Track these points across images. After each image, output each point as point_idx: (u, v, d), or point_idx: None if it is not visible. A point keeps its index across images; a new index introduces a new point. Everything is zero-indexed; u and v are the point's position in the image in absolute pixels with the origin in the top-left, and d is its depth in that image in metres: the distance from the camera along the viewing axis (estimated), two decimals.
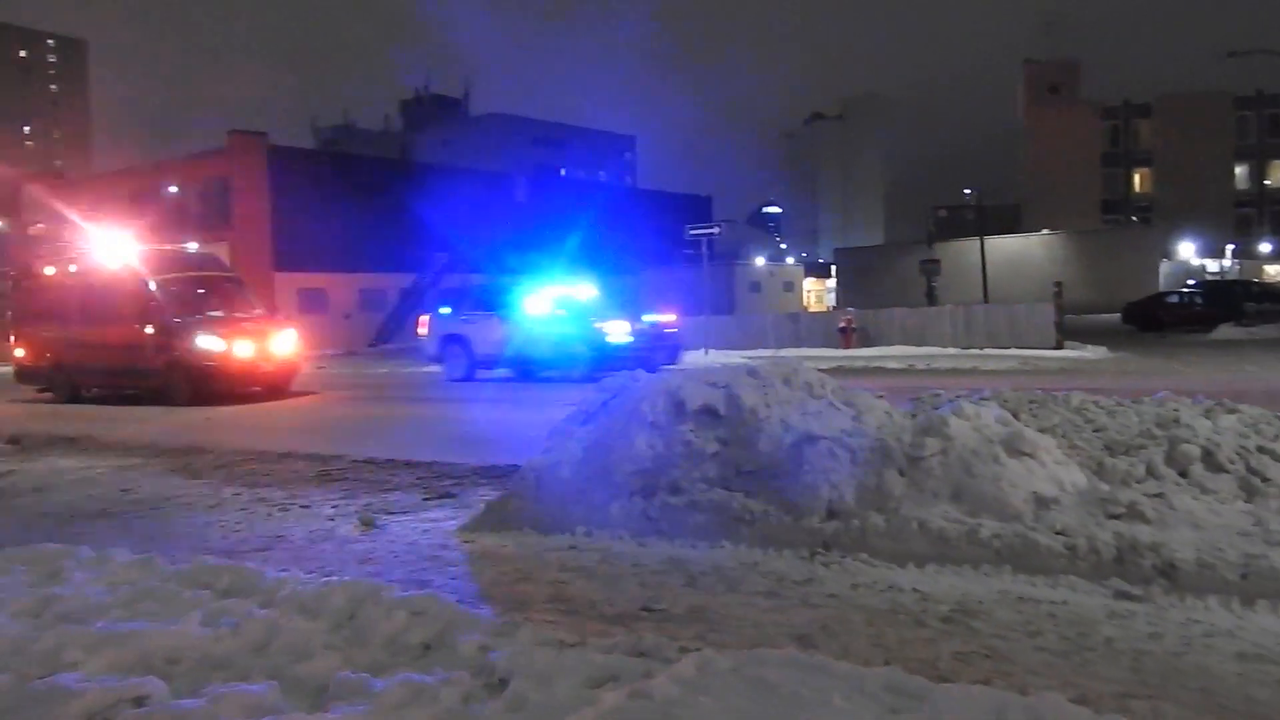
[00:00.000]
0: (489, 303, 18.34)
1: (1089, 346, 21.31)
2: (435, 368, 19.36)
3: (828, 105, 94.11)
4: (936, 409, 5.11)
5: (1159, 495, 4.37)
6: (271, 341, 15.81)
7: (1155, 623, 3.51)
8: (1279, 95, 59.18)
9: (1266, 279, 50.73)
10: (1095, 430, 5.15)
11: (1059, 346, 21.20)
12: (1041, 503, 4.36)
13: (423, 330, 19.45)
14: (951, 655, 3.28)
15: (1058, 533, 4.13)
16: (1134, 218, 63.43)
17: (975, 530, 4.26)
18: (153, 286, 15.83)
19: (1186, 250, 57.25)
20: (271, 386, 15.89)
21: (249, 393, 15.54)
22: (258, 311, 17.00)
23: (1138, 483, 4.56)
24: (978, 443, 4.60)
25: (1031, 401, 5.68)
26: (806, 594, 4.00)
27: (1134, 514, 4.22)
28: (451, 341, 18.38)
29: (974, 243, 49.33)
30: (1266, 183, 64.10)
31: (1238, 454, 4.68)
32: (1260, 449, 4.67)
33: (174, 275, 16.38)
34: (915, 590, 3.96)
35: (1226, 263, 57.99)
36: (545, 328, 17.09)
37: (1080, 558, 4.00)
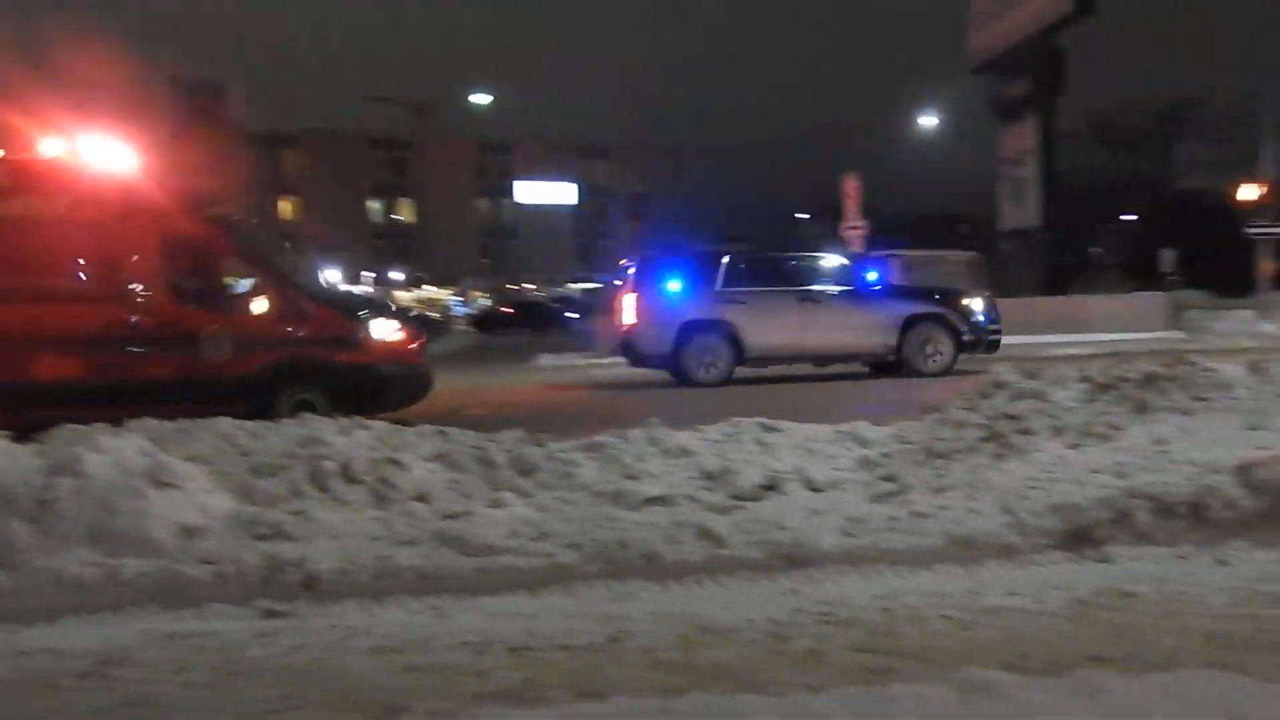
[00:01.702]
0: (774, 275, 14.06)
1: None
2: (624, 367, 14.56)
3: None
4: (72, 443, 4.69)
5: (302, 512, 4.62)
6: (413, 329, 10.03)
7: (300, 634, 3.69)
8: (406, 141, 67.35)
9: (399, 303, 57.40)
10: (243, 454, 5.25)
11: None
12: (189, 533, 4.29)
13: (630, 317, 13.69)
14: (90, 713, 3.04)
15: (205, 562, 4.11)
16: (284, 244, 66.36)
17: (118, 571, 4.02)
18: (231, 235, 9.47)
19: (334, 277, 61.86)
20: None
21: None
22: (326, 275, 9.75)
23: (283, 502, 4.76)
24: (118, 478, 4.35)
25: (178, 430, 5.56)
26: None
27: (279, 533, 4.40)
28: (702, 331, 13.38)
29: None
30: (395, 217, 72.35)
31: (370, 466, 5.17)
32: (388, 460, 5.23)
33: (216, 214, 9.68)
34: (48, 650, 3.58)
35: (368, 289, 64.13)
36: (857, 308, 13.67)
37: (229, 584, 4.03)
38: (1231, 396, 6.00)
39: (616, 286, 15.77)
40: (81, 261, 8.68)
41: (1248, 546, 4.54)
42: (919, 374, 13.48)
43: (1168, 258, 30.85)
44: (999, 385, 6.27)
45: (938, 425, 6.02)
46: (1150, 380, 6.10)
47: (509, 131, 67.06)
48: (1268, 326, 21.14)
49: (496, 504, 5.02)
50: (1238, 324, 22.16)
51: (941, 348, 13.71)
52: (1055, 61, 21.36)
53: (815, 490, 5.26)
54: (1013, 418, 5.83)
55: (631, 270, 14.65)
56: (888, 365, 14.00)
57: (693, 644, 3.50)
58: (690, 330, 13.54)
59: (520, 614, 3.92)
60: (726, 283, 13.90)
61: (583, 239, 73.70)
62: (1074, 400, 6.02)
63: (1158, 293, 23.98)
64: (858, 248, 22.93)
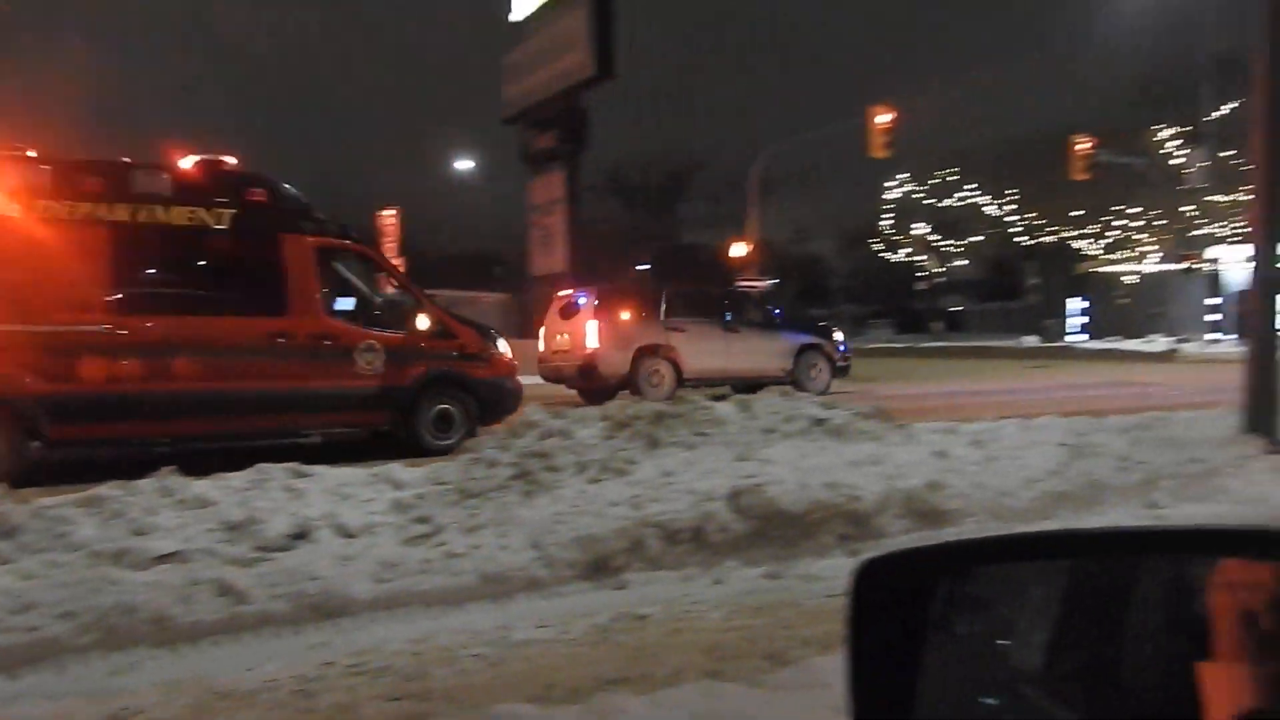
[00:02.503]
0: (704, 308, 15.89)
1: None
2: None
3: None
4: None
5: None
6: None
7: None
8: None
9: None
10: None
11: None
12: None
13: (594, 343, 14.46)
14: None
15: None
16: None
17: None
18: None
19: None
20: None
21: None
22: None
23: None
24: None
25: None
26: None
27: None
28: (652, 356, 14.76)
29: None
30: None
31: None
32: None
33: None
34: None
35: None
36: (768, 337, 16.16)
37: None
38: (725, 431, 6.79)
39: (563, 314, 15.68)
40: (234, 274, 9.12)
41: (739, 565, 5.14)
42: (805, 391, 14.78)
43: None
44: (529, 425, 6.54)
45: (471, 465, 6.13)
46: (660, 418, 6.71)
47: None
48: None
49: None
50: None
51: (823, 371, 16.29)
52: (579, 118, 22.92)
53: (348, 536, 5.10)
54: (541, 455, 6.10)
55: (585, 300, 15.37)
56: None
57: (208, 713, 3.23)
58: (643, 355, 14.85)
59: None
60: (668, 314, 15.36)
61: None
62: (596, 437, 6.44)
63: None
64: None
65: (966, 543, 0.94)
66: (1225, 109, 28.71)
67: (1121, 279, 41.01)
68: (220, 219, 8.86)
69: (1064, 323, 43.61)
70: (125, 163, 8.74)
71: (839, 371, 16.66)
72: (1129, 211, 38.76)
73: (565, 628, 4.27)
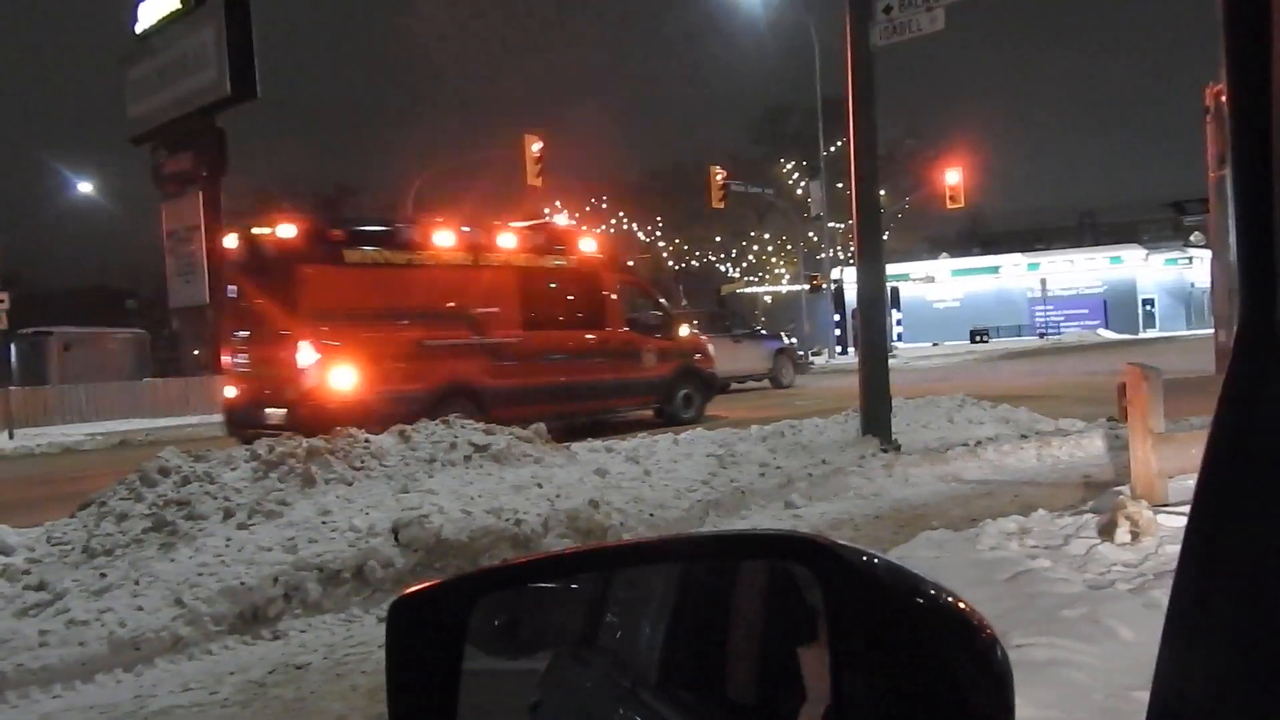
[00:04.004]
0: (716, 325, 20.19)
1: None
2: None
3: None
4: None
5: None
6: None
7: None
8: None
9: None
10: None
11: None
12: None
13: None
14: None
15: None
16: None
17: None
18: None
19: None
20: None
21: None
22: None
23: None
24: None
25: None
26: None
27: None
28: None
29: None
30: None
31: None
32: None
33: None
34: None
35: None
36: (756, 344, 21.34)
37: None
38: (385, 464, 6.60)
39: None
40: (578, 301, 13.02)
41: None
42: (780, 385, 20.87)
43: None
44: (165, 471, 5.99)
45: (98, 520, 5.52)
46: (314, 454, 6.39)
47: None
48: None
49: None
50: None
51: (789, 369, 21.65)
52: (217, 139, 21.41)
53: None
54: (181, 503, 5.61)
55: None
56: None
57: None
58: None
59: None
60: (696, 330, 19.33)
61: None
62: (244, 480, 6.02)
63: None
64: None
65: (494, 569, 0.99)
66: (834, 146, 31.95)
67: (763, 298, 44.59)
68: (570, 261, 12.88)
69: None
70: (531, 224, 12.76)
71: (800, 369, 22.42)
72: (763, 237, 42.26)
73: (214, 688, 3.95)
